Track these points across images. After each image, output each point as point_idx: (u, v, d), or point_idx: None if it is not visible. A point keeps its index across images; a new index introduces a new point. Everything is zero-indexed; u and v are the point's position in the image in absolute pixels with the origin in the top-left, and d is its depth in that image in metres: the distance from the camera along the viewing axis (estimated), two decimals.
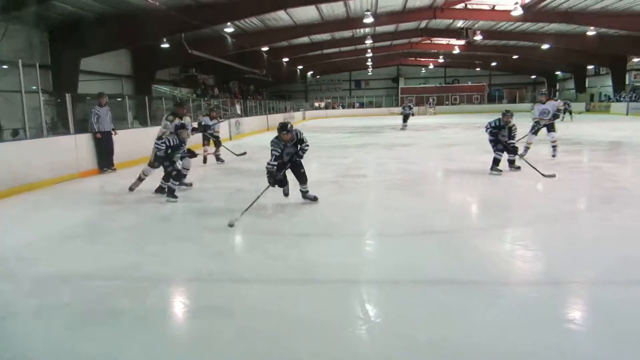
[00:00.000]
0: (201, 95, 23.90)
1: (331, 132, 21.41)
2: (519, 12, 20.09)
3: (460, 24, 26.43)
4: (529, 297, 3.35)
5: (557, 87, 43.38)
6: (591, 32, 24.64)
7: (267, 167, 5.89)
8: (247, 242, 4.99)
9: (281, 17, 20.78)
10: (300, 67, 37.25)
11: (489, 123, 8.29)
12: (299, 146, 5.95)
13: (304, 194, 6.26)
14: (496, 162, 8.20)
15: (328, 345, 2.73)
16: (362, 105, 44.96)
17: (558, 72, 42.92)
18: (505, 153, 8.25)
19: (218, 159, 10.83)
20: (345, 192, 7.20)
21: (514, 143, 8.10)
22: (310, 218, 5.68)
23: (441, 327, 2.87)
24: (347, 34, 27.77)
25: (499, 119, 8.12)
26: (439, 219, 5.45)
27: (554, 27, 25.36)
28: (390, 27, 27.77)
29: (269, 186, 5.94)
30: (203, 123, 10.42)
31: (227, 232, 5.03)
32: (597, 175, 8.09)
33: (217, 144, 10.73)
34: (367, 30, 26.70)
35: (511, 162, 8.39)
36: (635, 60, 30.98)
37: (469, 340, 2.72)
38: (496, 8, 22.37)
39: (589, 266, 3.85)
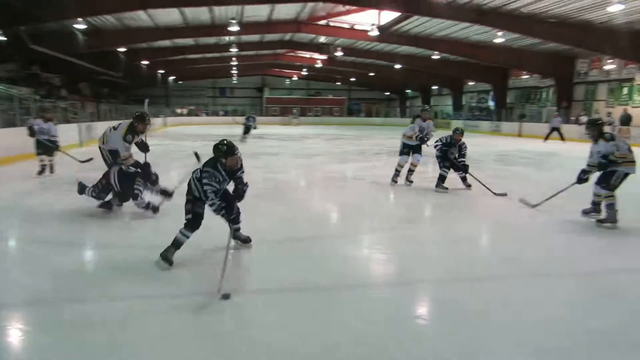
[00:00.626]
0: (46, 96, 21.44)
1: (193, 140, 20.77)
2: (375, 33, 21.76)
3: (322, 39, 27.72)
4: (385, 297, 3.61)
5: (407, 104, 47.61)
6: (435, 56, 27.60)
7: (214, 211, 4.05)
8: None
9: (141, 17, 19.67)
10: (161, 71, 35.58)
11: (440, 139, 8.01)
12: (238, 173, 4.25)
13: (236, 233, 4.49)
14: (442, 178, 7.98)
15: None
16: (226, 114, 44.35)
17: (408, 90, 47.17)
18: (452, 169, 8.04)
19: (51, 169, 9.09)
20: None
21: (464, 161, 7.96)
22: (167, 229, 5.41)
23: (303, 330, 2.95)
24: (211, 40, 27.32)
25: (450, 137, 7.88)
26: (302, 227, 5.61)
27: (405, 49, 27.87)
28: (255, 37, 28.00)
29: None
30: (36, 127, 8.75)
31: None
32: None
33: (51, 150, 8.96)
34: (233, 38, 26.58)
35: (463, 179, 8.15)
36: (470, 83, 35.42)
37: (329, 340, 2.82)
38: (355, 27, 24.05)
39: (436, 266, 4.27)
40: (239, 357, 2.68)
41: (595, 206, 5.72)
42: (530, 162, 12.86)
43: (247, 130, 18.98)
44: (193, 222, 4.06)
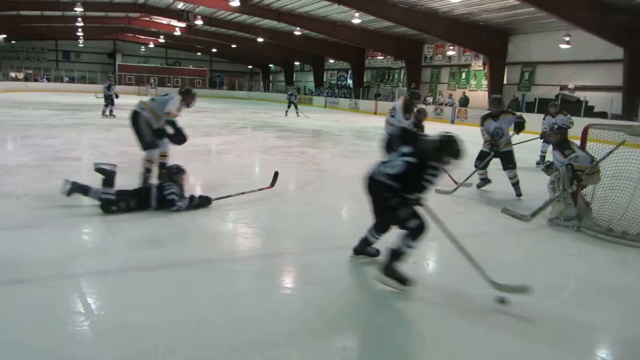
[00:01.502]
0: None
1: (33, 109, 18.35)
2: (236, 3, 21.16)
3: (180, 5, 26.19)
4: (253, 269, 3.63)
5: (270, 79, 47.68)
6: (297, 32, 27.92)
7: None
8: None
9: None
10: None
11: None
12: None
13: None
14: None
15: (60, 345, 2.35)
16: (72, 80, 39.81)
17: (271, 65, 47.16)
18: None
19: None
20: (55, 177, 6.29)
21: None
22: (5, 209, 4.75)
23: (169, 309, 2.83)
24: None
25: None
26: None
27: (268, 22, 27.70)
28: None
29: None
30: None
31: None
32: (304, 158, 9.29)
33: None
34: None
35: None
36: (331, 61, 36.62)
37: (196, 316, 2.75)
38: None
39: (298, 237, 4.40)
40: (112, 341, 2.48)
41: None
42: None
43: (108, 101, 15.34)
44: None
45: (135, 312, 2.81)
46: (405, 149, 3.37)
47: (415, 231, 3.21)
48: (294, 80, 42.91)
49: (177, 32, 33.70)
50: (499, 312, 3.04)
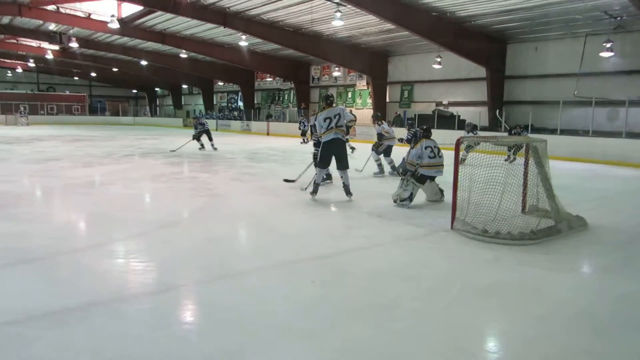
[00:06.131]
0: None
1: None
2: (115, 25, 20.13)
3: (53, 27, 24.32)
4: (146, 307, 3.42)
5: (157, 103, 45.94)
6: (184, 54, 27.28)
7: None
8: None
9: None
10: None
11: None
12: None
13: None
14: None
15: None
16: None
17: (157, 89, 45.48)
18: None
19: None
20: None
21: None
22: None
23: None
24: None
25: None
26: (40, 242, 4.84)
27: (151, 45, 26.74)
28: None
29: None
30: None
31: None
32: (197, 184, 9.03)
33: None
34: None
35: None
36: (220, 83, 36.28)
37: None
38: (92, 17, 21.72)
39: (194, 267, 4.25)
40: None
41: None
42: (278, 159, 13.97)
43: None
44: None
45: None
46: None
47: None
48: (183, 104, 41.80)
49: (50, 56, 31.16)
50: (391, 315, 3.20)
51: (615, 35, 15.27)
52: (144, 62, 30.74)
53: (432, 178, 7.07)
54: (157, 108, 44.40)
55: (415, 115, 21.23)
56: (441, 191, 7.18)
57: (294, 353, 2.76)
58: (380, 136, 10.12)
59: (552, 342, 2.98)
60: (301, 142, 15.20)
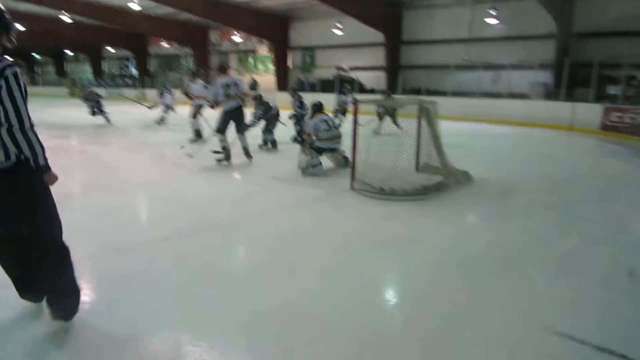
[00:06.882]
0: None
1: None
2: None
3: None
4: None
5: (36, 70, 41.74)
6: (65, 17, 24.80)
7: None
8: None
9: None
10: None
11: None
12: None
13: None
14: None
15: None
16: None
17: (36, 55, 41.18)
18: None
19: None
20: None
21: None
22: None
23: None
24: None
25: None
26: None
27: (27, 7, 23.97)
28: None
29: None
30: None
31: None
32: (87, 158, 8.41)
33: None
34: None
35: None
36: (111, 49, 33.66)
37: None
38: None
39: (85, 242, 3.98)
40: None
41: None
42: (176, 128, 13.37)
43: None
44: None
45: None
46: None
47: None
48: (68, 71, 38.36)
49: None
50: (293, 274, 3.26)
51: (499, 4, 16.40)
52: (19, 27, 27.48)
53: (331, 150, 7.00)
54: (38, 77, 40.29)
55: (318, 80, 21.41)
56: (345, 158, 7.01)
57: (201, 319, 2.71)
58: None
59: (440, 286, 3.24)
60: (148, 107, 14.17)
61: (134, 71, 32.36)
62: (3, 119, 2.15)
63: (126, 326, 2.61)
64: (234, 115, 7.28)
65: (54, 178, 2.53)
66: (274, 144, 9.09)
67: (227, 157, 7.37)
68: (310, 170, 6.65)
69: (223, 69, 7.70)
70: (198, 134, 10.05)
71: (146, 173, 7.04)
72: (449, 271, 3.49)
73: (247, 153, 7.57)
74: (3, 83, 2.16)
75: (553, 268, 3.59)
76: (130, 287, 3.11)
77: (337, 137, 7.06)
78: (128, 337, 2.51)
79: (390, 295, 3.24)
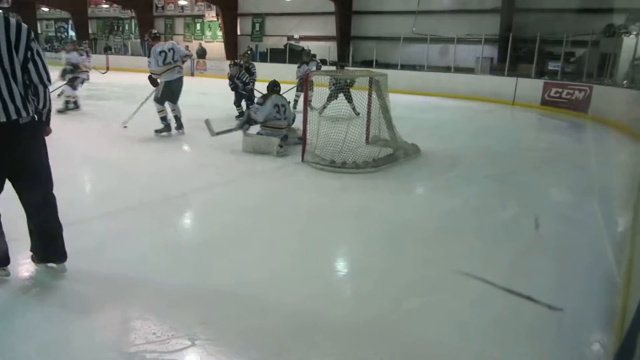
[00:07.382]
0: None
1: None
2: None
3: None
4: None
5: None
6: None
7: None
8: None
9: None
10: None
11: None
12: None
13: None
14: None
15: None
16: None
17: None
18: None
19: None
20: None
21: None
22: None
23: None
24: None
25: None
26: None
27: None
28: None
29: None
30: None
31: None
32: None
33: None
34: None
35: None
36: (44, 9, 31.35)
37: None
38: None
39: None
40: None
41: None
42: (120, 96, 12.82)
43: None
44: None
45: None
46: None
47: None
48: None
49: None
50: (240, 246, 3.29)
51: None
52: None
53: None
54: None
55: (267, 49, 20.96)
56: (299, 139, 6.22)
57: (151, 292, 2.69)
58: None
59: (390, 255, 3.37)
60: (102, 73, 13.71)
61: (72, 33, 30.40)
62: (37, 79, 2.48)
63: (76, 302, 2.56)
64: (174, 86, 7.13)
65: (50, 131, 2.82)
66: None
67: (167, 128, 7.23)
68: (280, 150, 6.11)
69: (156, 36, 7.43)
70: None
71: (92, 145, 6.73)
72: (400, 241, 3.63)
73: (180, 124, 7.41)
74: (34, 46, 2.44)
75: (490, 234, 3.82)
76: (75, 265, 3.03)
77: (284, 128, 6.53)
78: (77, 311, 2.47)
79: (340, 266, 3.33)
